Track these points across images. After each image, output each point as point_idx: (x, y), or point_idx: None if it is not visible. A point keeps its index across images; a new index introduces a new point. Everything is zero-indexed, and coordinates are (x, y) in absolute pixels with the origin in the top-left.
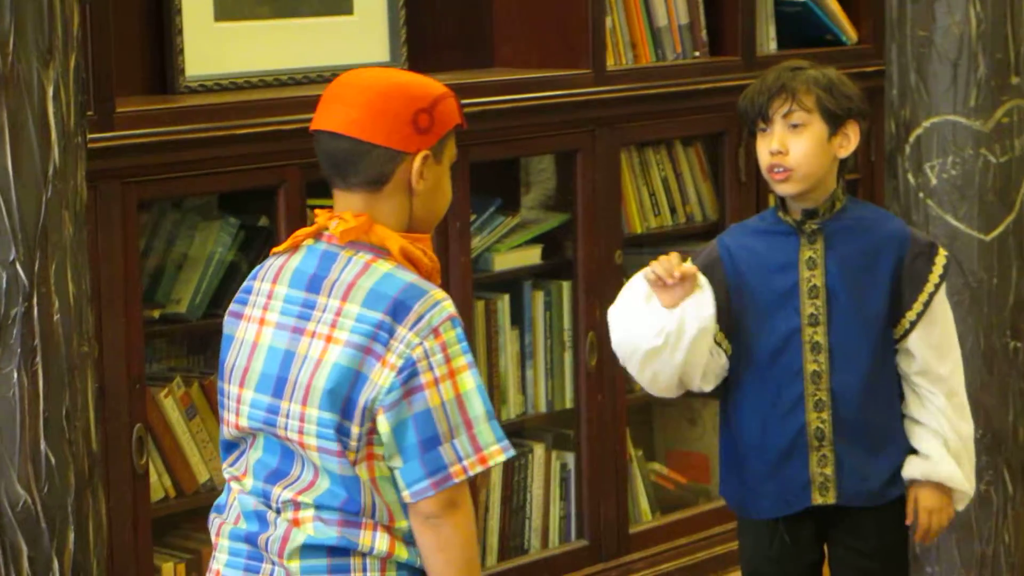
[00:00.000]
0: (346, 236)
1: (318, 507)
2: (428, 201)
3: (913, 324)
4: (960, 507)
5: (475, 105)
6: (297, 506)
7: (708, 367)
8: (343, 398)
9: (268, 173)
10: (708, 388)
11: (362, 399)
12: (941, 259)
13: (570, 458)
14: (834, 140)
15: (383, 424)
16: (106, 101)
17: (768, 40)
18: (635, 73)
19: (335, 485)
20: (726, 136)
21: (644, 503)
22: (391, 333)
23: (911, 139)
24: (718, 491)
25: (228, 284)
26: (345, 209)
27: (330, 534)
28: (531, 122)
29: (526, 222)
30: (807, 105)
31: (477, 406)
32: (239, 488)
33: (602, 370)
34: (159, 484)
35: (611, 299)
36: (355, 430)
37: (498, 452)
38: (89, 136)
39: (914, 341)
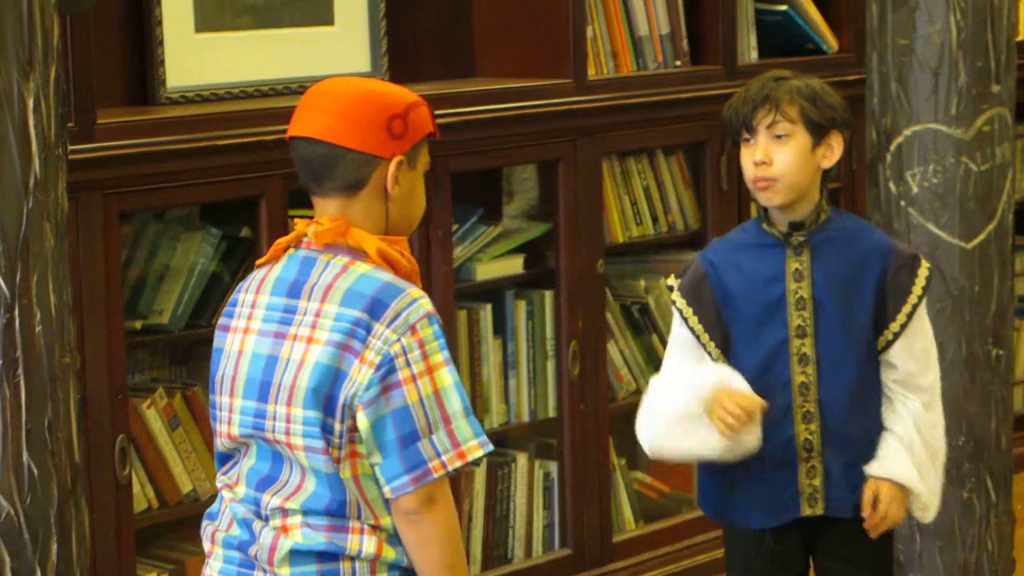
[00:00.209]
0: (322, 238)
1: (305, 512)
2: (403, 207)
3: (896, 335)
4: (921, 516)
5: (456, 115)
6: (285, 513)
7: None
8: (325, 395)
9: (250, 184)
10: None
11: (342, 396)
12: (924, 271)
13: (553, 467)
14: (818, 150)
15: (362, 420)
16: (87, 112)
17: (749, 49)
18: (616, 82)
19: (321, 487)
20: (708, 145)
21: (627, 512)
22: (368, 330)
23: (892, 147)
24: (697, 502)
25: (210, 295)
26: (322, 215)
27: (318, 540)
28: (512, 132)
29: (508, 231)
30: (791, 115)
31: (455, 402)
32: (231, 496)
33: (584, 379)
34: (142, 495)
35: (594, 308)
36: (337, 427)
37: (476, 447)
38: (70, 147)
39: (896, 352)
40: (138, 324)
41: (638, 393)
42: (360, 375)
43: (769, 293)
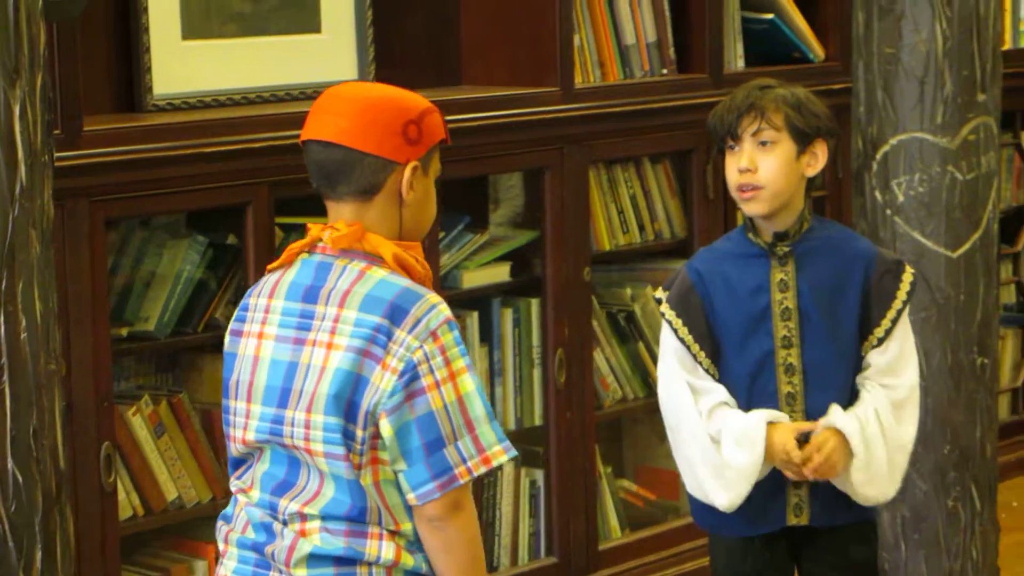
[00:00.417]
0: (339, 243)
1: (324, 518)
2: (417, 212)
3: (881, 340)
4: (861, 491)
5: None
6: (304, 518)
7: None
8: (346, 401)
9: (236, 191)
10: None
11: (365, 403)
12: (908, 276)
13: (539, 475)
14: (802, 158)
15: (386, 428)
16: (73, 119)
17: (736, 58)
18: (603, 91)
19: (340, 492)
20: (694, 153)
21: (613, 520)
22: (389, 336)
23: (878, 156)
24: (688, 509)
25: (196, 302)
26: (337, 219)
27: (337, 544)
28: (499, 140)
29: (495, 239)
30: (776, 123)
31: (478, 407)
32: (246, 500)
33: (571, 387)
34: (127, 502)
35: (580, 316)
36: (359, 433)
37: (500, 452)
38: (56, 155)
39: (877, 355)
40: (124, 331)
41: (624, 401)
42: (383, 382)
43: (755, 303)
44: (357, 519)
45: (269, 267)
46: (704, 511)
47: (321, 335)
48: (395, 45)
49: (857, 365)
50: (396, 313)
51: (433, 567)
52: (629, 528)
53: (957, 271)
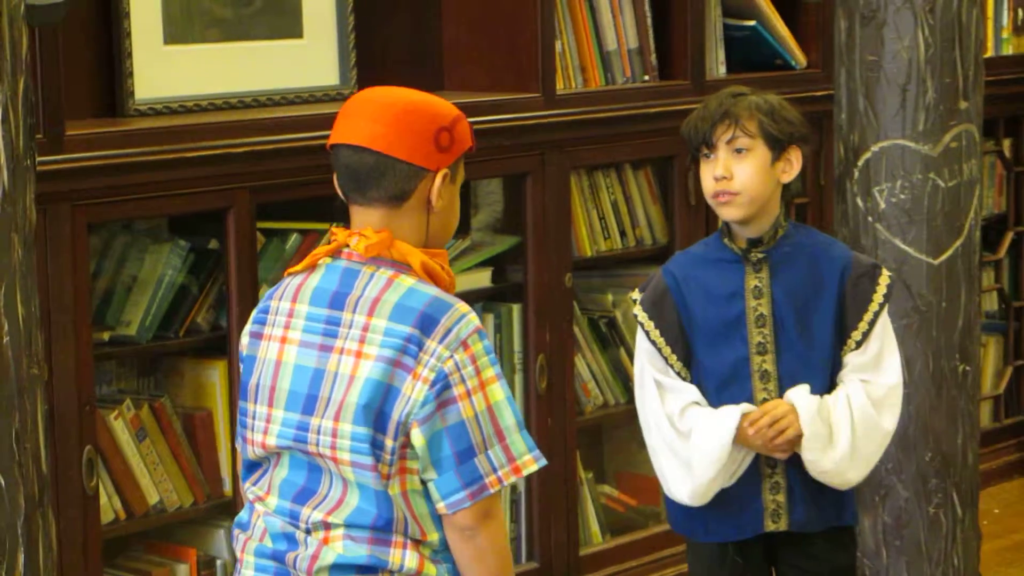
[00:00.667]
0: (371, 251)
1: (348, 526)
2: (444, 219)
3: (859, 343)
4: (813, 468)
5: None
6: (328, 526)
7: None
8: (376, 412)
9: (218, 196)
10: None
11: (396, 413)
12: (884, 279)
13: (520, 481)
14: (777, 165)
15: (417, 437)
16: (55, 124)
17: (717, 64)
18: (585, 97)
19: (365, 502)
20: (676, 160)
21: (594, 525)
22: (420, 346)
23: (860, 163)
24: (665, 516)
25: (178, 307)
26: (364, 225)
27: (360, 552)
28: (481, 145)
29: (476, 245)
30: (750, 130)
31: (508, 416)
32: (263, 508)
33: (552, 393)
34: (109, 506)
35: (561, 322)
36: (389, 443)
37: (531, 462)
38: (38, 159)
39: (855, 357)
40: (106, 335)
41: (605, 407)
42: (414, 392)
43: (729, 310)
44: (383, 528)
45: (289, 270)
46: (681, 517)
47: (349, 343)
48: (377, 50)
49: (833, 371)
50: (426, 323)
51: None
52: (610, 534)
53: (939, 278)
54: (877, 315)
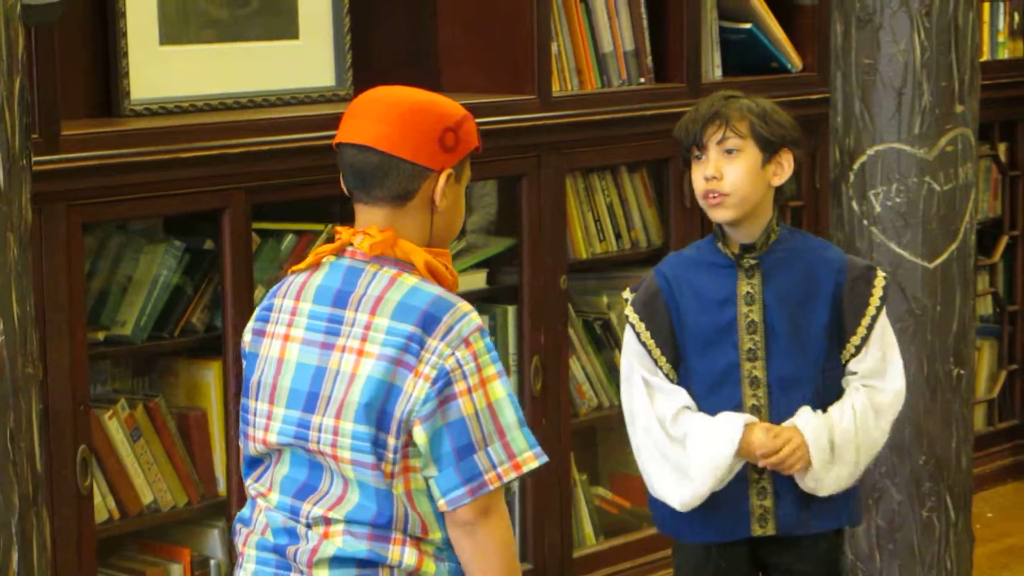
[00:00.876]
0: (374, 249)
1: (348, 522)
2: (448, 219)
3: (858, 348)
4: (813, 488)
5: None
6: (328, 522)
7: None
8: (378, 410)
9: (213, 196)
10: None
11: (398, 411)
12: (880, 281)
13: (516, 481)
14: (768, 167)
15: (419, 435)
16: (51, 124)
17: (713, 67)
18: (580, 99)
19: (366, 499)
20: (671, 162)
21: (588, 527)
22: (422, 344)
23: (855, 167)
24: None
25: (173, 307)
26: (368, 224)
27: (359, 548)
28: None
29: (471, 247)
30: (741, 131)
31: (509, 414)
32: (265, 504)
33: (546, 394)
34: (103, 505)
35: (556, 324)
36: (391, 442)
37: (531, 459)
38: (34, 159)
39: (857, 363)
40: (101, 335)
41: (600, 408)
42: (416, 390)
43: (721, 315)
44: (383, 525)
45: (293, 268)
46: (667, 518)
47: (351, 341)
48: (372, 52)
49: (826, 377)
50: (428, 321)
51: (467, 572)
52: (603, 535)
53: (934, 282)
54: (875, 318)
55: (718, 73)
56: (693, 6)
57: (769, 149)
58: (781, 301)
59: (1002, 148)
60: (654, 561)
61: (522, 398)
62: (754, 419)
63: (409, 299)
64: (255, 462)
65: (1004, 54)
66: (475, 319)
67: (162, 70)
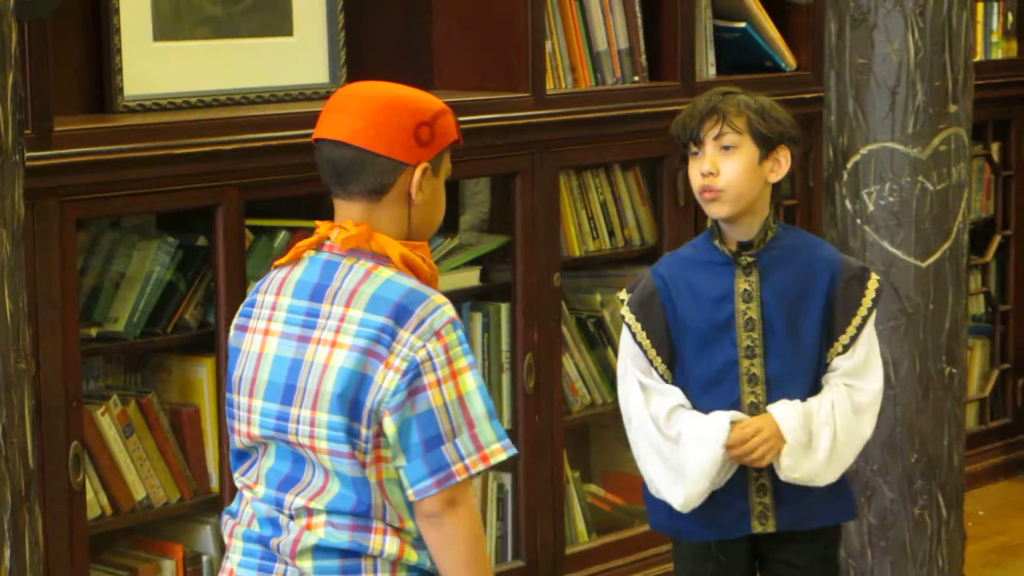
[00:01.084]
0: (348, 243)
1: (329, 512)
2: (425, 212)
3: (846, 347)
4: (785, 472)
5: None
6: (310, 512)
7: None
8: (350, 400)
9: (206, 193)
10: None
11: (368, 401)
12: (873, 283)
13: (507, 479)
14: (765, 164)
15: (389, 426)
16: (44, 120)
17: (707, 66)
18: (574, 97)
19: (345, 488)
20: (665, 160)
21: (580, 524)
22: (393, 336)
23: (849, 165)
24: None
25: (166, 303)
26: (345, 218)
27: (341, 538)
28: (470, 145)
29: (464, 244)
30: (738, 127)
31: (478, 406)
32: (251, 496)
33: (540, 392)
34: (95, 501)
35: (549, 322)
36: (363, 432)
37: (499, 451)
38: (27, 154)
39: (842, 361)
40: (93, 331)
41: (593, 406)
42: (386, 381)
43: (718, 312)
44: (363, 514)
45: (276, 263)
46: (663, 517)
47: (326, 334)
48: (366, 49)
49: (820, 373)
50: (401, 313)
51: (435, 563)
52: (596, 533)
53: (926, 281)
54: (865, 319)
55: (712, 72)
56: (687, 4)
57: (766, 145)
58: (778, 298)
59: (995, 148)
60: (646, 558)
61: (515, 395)
62: (742, 416)
63: (383, 291)
64: (243, 455)
65: (998, 54)
66: (448, 311)
67: (156, 66)
